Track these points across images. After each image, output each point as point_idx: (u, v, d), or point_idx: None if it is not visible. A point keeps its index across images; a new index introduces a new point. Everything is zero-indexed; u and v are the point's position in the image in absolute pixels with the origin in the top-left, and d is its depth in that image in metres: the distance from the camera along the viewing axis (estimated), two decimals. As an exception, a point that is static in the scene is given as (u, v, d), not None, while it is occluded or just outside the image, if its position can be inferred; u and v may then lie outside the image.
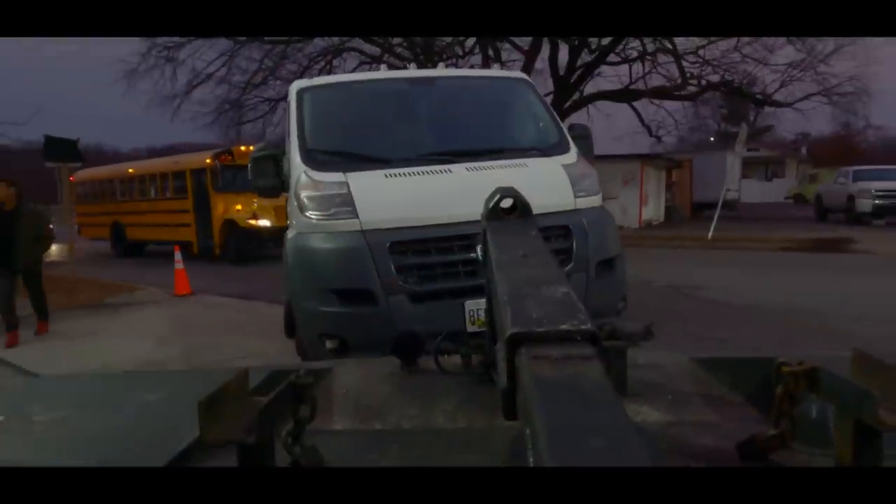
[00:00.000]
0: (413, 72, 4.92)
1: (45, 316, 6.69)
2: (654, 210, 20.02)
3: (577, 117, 22.15)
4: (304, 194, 3.57)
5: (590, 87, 21.40)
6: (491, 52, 19.39)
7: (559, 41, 18.09)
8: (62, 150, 10.77)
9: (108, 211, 17.17)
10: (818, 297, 7.39)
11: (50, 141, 10.69)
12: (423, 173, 3.51)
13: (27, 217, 6.23)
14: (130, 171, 16.97)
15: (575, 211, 3.46)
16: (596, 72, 20.33)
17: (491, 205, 0.73)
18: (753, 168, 41.73)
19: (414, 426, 0.80)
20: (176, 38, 16.78)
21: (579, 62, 19.08)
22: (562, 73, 19.25)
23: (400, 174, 3.53)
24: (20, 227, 6.09)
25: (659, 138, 23.54)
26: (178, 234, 14.53)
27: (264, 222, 12.99)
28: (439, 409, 0.84)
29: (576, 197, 3.52)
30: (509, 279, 0.54)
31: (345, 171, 3.60)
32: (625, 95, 20.55)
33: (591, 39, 18.18)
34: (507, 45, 20.44)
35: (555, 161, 3.67)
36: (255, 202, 12.80)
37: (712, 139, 38.00)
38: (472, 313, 3.12)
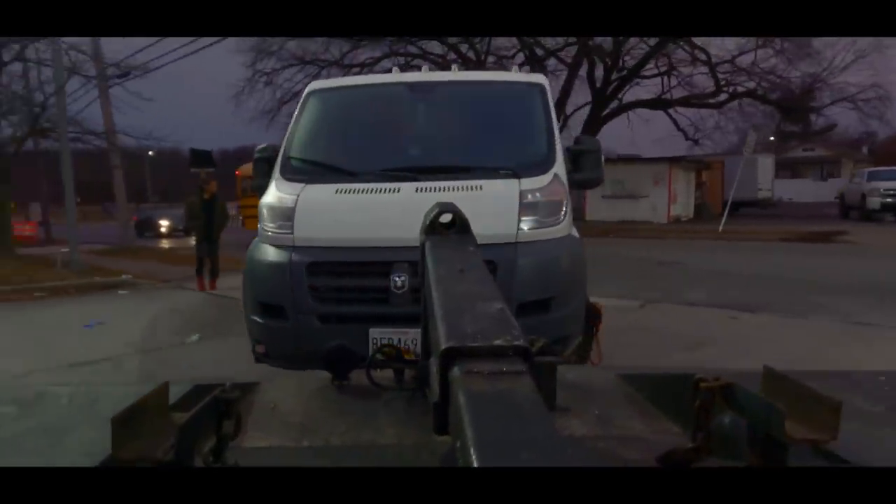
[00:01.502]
0: (418, 75, 4.69)
1: (216, 275, 10.04)
2: (682, 207, 22.11)
3: (617, 123, 24.49)
4: (263, 203, 3.65)
5: (629, 96, 23.71)
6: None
7: (595, 60, 20.60)
8: (202, 158, 14.44)
9: None
10: (759, 268, 9.87)
11: (193, 152, 14.40)
12: (371, 191, 3.45)
13: (219, 204, 9.65)
14: None
15: (512, 244, 3.20)
16: (633, 82, 22.61)
17: (430, 220, 0.73)
18: (809, 168, 42.07)
19: (343, 442, 0.79)
20: (273, 65, 20.45)
21: (614, 76, 21.47)
22: (598, 85, 21.71)
23: (350, 190, 3.48)
24: (216, 211, 9.51)
25: (696, 141, 25.45)
26: None
27: None
28: (370, 425, 0.84)
29: (520, 228, 3.27)
30: (445, 294, 0.54)
31: (308, 182, 3.60)
32: (658, 104, 22.74)
33: (621, 60, 20.59)
34: (551, 61, 23.05)
35: (516, 185, 3.39)
36: None
37: (772, 138, 38.86)
38: (375, 341, 3.06)
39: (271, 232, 3.48)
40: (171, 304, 8.35)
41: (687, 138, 24.94)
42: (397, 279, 3.08)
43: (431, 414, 0.45)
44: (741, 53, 21.13)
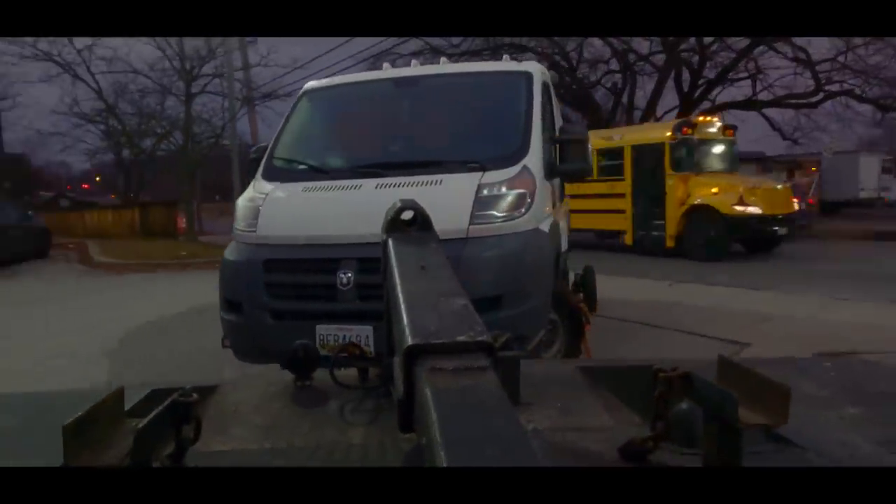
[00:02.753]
0: (406, 70, 4.58)
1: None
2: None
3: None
4: (238, 204, 3.70)
5: (724, 96, 24.09)
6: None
7: (682, 66, 21.56)
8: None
9: None
10: (802, 262, 11.04)
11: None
12: (334, 188, 3.47)
13: None
14: None
15: (461, 240, 3.10)
16: (723, 85, 23.09)
17: (391, 216, 0.73)
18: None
19: (307, 443, 0.77)
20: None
21: (701, 80, 22.25)
22: (686, 89, 22.59)
23: (316, 188, 3.51)
24: None
25: (795, 140, 25.17)
26: (607, 222, 12.71)
27: (753, 209, 10.81)
28: (334, 425, 0.82)
29: (472, 223, 3.17)
30: (408, 291, 0.55)
31: (282, 181, 3.65)
32: (750, 105, 23.04)
33: (706, 66, 21.37)
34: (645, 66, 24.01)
35: (476, 178, 3.31)
36: (741, 185, 11.17)
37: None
38: (321, 337, 3.06)
39: (240, 230, 3.61)
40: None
41: (784, 138, 24.84)
42: (343, 276, 3.09)
43: (396, 412, 0.45)
44: (839, 53, 21.03)
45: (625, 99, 24.58)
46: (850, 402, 0.82)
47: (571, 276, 5.93)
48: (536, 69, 4.16)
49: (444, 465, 0.31)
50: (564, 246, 4.77)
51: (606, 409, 0.81)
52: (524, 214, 3.29)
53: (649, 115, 23.54)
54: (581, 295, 5.40)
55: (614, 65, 24.55)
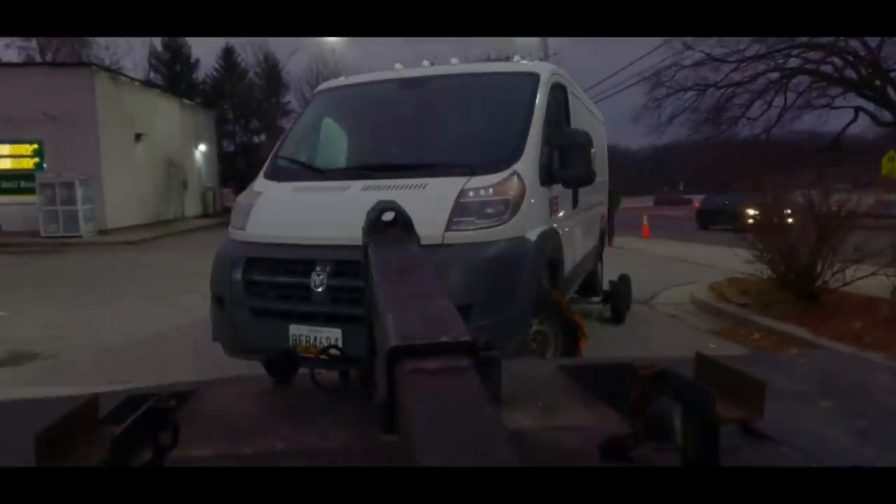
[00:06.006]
0: (414, 70, 4.50)
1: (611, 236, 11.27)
2: None
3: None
4: (236, 201, 3.82)
5: None
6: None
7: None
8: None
9: None
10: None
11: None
12: (323, 189, 3.52)
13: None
14: None
15: (436, 247, 3.03)
16: None
17: (372, 217, 0.74)
18: None
19: (288, 447, 0.77)
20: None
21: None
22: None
23: (307, 188, 3.58)
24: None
25: None
26: None
27: None
28: (315, 428, 0.82)
29: (447, 230, 3.10)
30: (389, 293, 0.55)
31: (280, 180, 3.75)
32: None
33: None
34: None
35: (460, 183, 3.23)
36: None
37: None
38: (294, 338, 3.12)
39: (233, 227, 3.78)
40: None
41: None
42: (316, 278, 3.19)
43: (378, 414, 0.45)
44: None
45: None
46: (823, 396, 0.84)
47: (606, 284, 6.53)
48: (545, 70, 4.12)
49: (426, 465, 0.32)
50: (579, 254, 4.97)
51: (587, 408, 0.81)
52: (507, 221, 3.26)
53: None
54: (606, 304, 6.09)
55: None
